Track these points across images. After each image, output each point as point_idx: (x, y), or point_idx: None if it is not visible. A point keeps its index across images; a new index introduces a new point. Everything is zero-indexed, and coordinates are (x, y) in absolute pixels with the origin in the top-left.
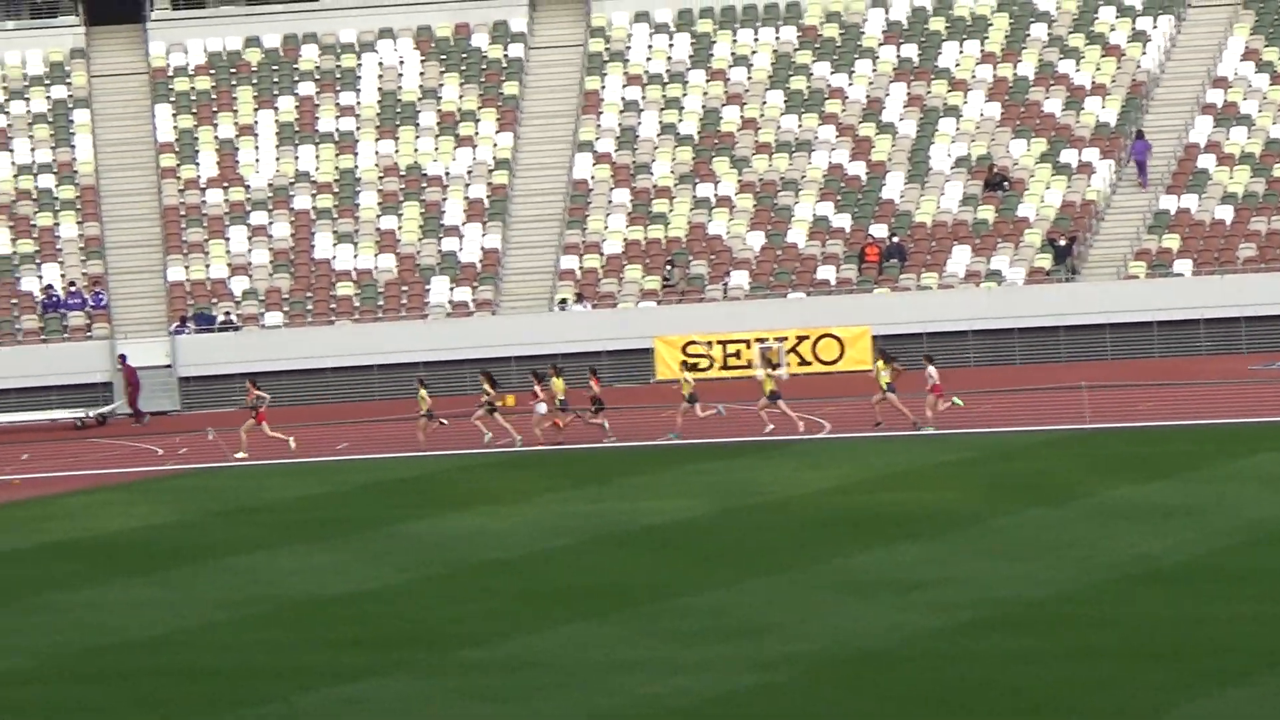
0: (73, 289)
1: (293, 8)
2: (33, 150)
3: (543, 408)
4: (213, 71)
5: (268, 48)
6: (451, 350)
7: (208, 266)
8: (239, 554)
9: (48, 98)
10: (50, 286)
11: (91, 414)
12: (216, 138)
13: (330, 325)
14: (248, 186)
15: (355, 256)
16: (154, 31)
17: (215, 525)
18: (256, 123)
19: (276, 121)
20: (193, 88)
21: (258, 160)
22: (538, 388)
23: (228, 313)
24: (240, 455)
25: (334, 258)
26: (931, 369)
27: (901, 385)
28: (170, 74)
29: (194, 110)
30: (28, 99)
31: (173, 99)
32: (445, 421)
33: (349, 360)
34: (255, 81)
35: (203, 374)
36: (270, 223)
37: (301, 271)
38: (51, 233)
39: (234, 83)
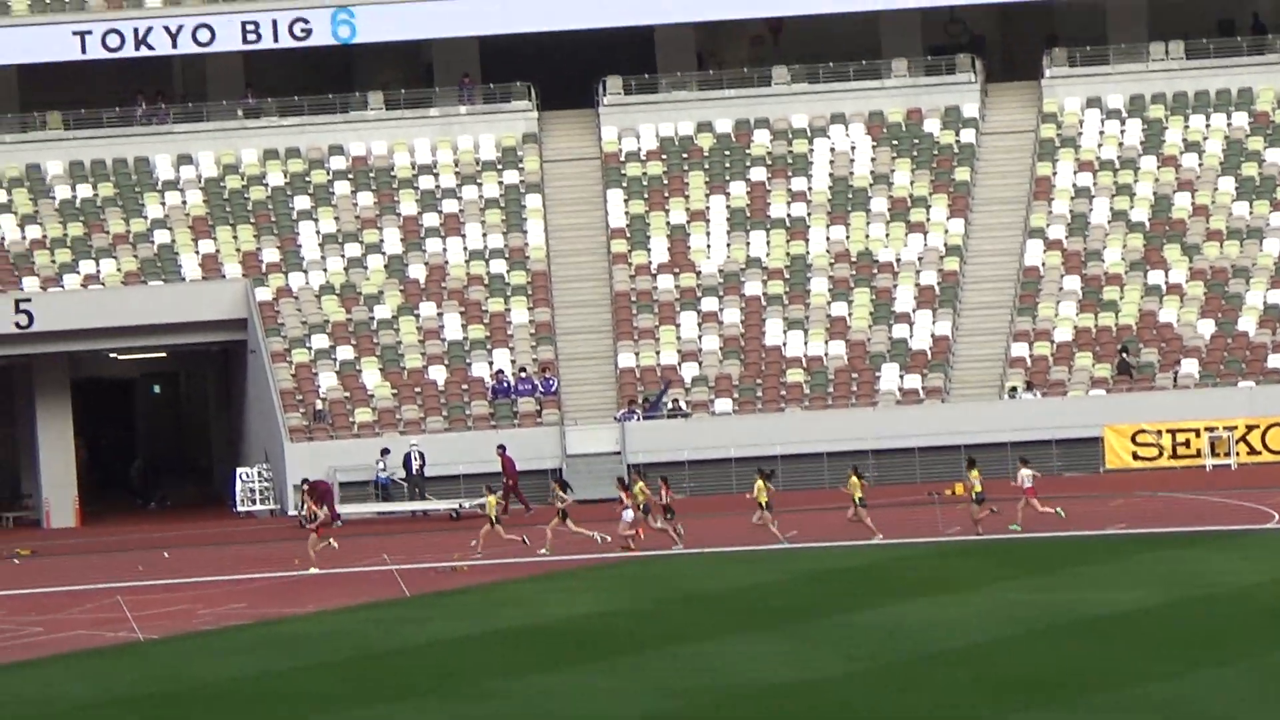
0: (523, 374)
1: (745, 93)
2: (484, 235)
3: (629, 515)
4: (664, 156)
5: (720, 133)
6: (900, 438)
7: (658, 353)
8: (688, 642)
9: (500, 182)
10: (501, 372)
11: (469, 504)
12: (668, 223)
13: (780, 412)
14: (698, 272)
15: (805, 343)
16: (606, 116)
17: (663, 612)
18: (708, 208)
19: (728, 207)
20: (644, 172)
21: (708, 245)
22: (624, 495)
23: (676, 399)
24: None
25: (784, 344)
26: (1025, 471)
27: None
28: (622, 159)
29: (645, 195)
30: (480, 184)
31: (624, 184)
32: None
33: (798, 447)
34: (707, 166)
35: (651, 460)
36: (721, 309)
37: (751, 358)
38: (503, 318)
39: (685, 168)
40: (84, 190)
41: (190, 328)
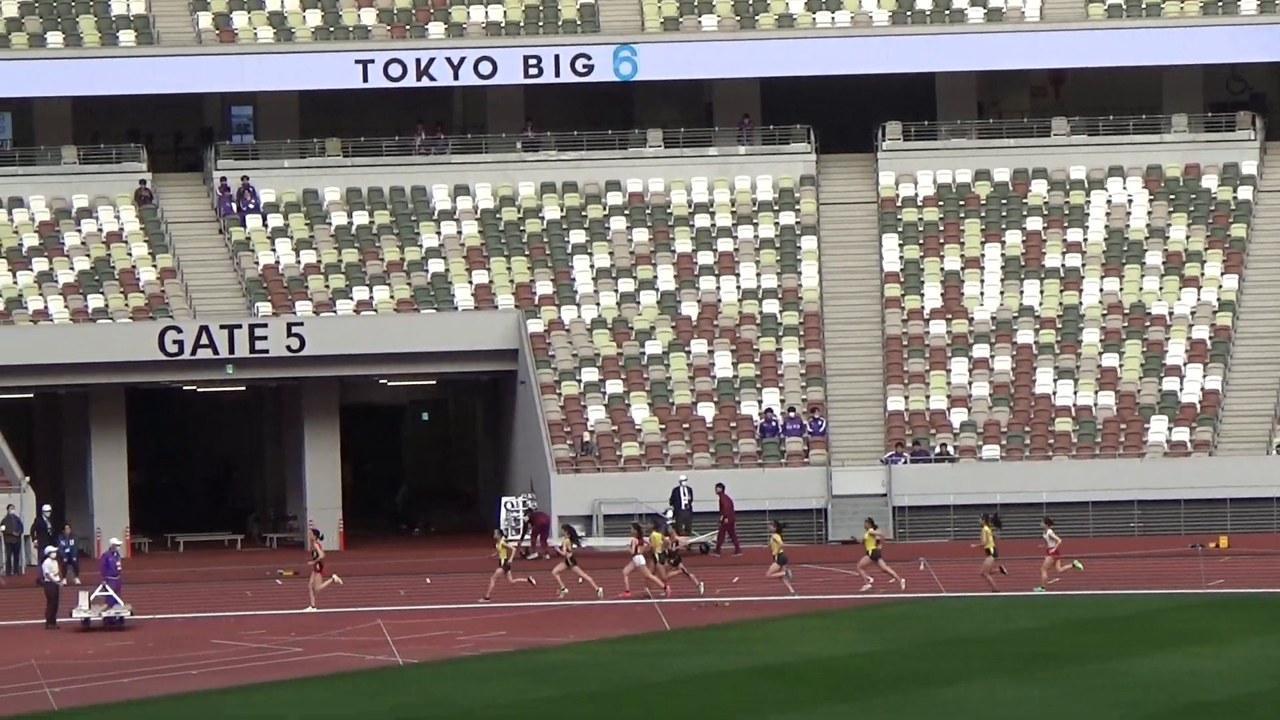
0: (791, 415)
1: (1024, 143)
2: (758, 275)
3: (641, 560)
4: (941, 203)
5: (997, 181)
6: (1167, 490)
7: (927, 397)
8: (944, 685)
9: (776, 223)
10: (769, 411)
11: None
12: (942, 269)
13: (1047, 460)
14: (971, 319)
15: (1075, 393)
16: (884, 161)
17: (922, 655)
18: (983, 255)
19: (1002, 255)
20: (920, 218)
21: (982, 293)
22: (636, 541)
23: (944, 444)
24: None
25: (1054, 393)
26: (1050, 532)
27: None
28: (899, 204)
29: (921, 241)
30: (756, 224)
31: (900, 229)
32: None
33: (1064, 496)
34: (983, 214)
35: (917, 504)
36: (992, 356)
37: (1021, 406)
38: (773, 358)
39: (962, 215)
40: (360, 217)
41: (461, 357)
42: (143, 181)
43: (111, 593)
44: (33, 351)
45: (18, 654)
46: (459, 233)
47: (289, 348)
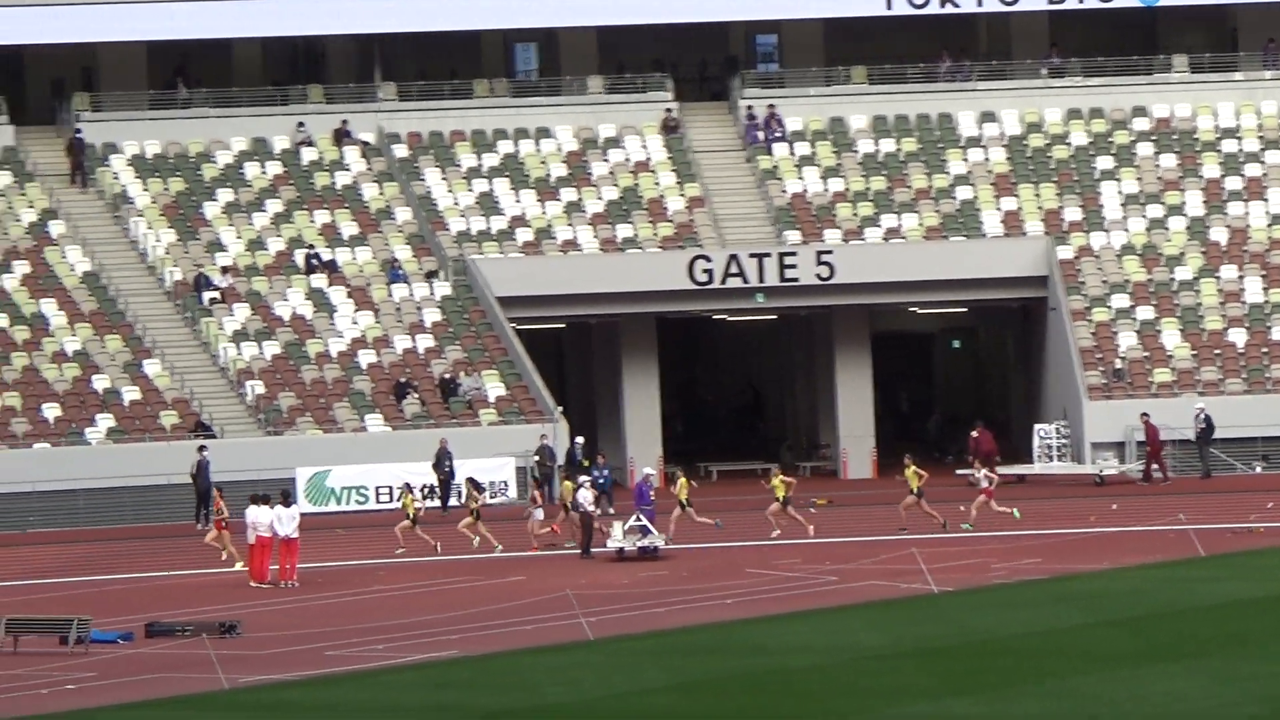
0: None
1: None
2: None
3: (540, 514)
4: None
5: None
6: None
7: None
8: None
9: None
10: None
11: (1109, 471)
12: None
13: None
14: None
15: None
16: None
17: None
18: None
19: None
20: None
21: None
22: (536, 493)
23: None
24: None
25: None
26: (985, 472)
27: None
28: None
29: None
30: None
31: None
32: None
33: None
34: None
35: None
36: None
37: None
38: None
39: None
40: (887, 145)
41: (990, 284)
42: (669, 110)
43: (645, 522)
44: (563, 282)
45: (554, 584)
46: (986, 160)
47: (819, 276)
